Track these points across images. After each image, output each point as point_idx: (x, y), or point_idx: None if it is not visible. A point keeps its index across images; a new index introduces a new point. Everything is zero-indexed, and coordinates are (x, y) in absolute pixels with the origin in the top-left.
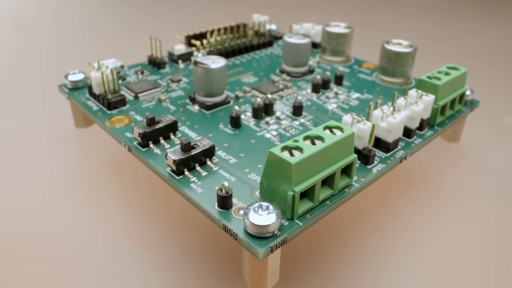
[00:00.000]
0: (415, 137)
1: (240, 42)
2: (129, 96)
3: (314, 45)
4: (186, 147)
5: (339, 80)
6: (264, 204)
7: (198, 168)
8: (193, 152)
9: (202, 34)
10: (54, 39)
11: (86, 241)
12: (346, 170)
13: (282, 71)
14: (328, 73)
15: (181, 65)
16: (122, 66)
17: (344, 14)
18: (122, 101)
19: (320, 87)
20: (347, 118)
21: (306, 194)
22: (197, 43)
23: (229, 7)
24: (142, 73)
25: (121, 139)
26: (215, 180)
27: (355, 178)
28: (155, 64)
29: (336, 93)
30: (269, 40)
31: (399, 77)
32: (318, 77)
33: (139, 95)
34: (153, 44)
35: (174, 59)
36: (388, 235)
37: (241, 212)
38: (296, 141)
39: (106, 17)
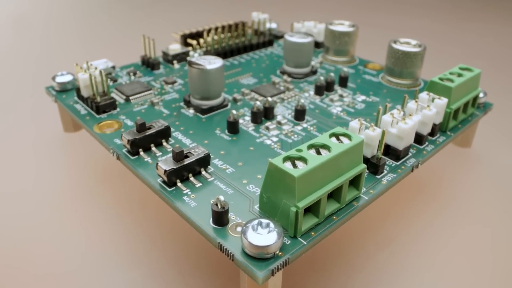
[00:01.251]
0: (426, 143)
1: (239, 41)
2: (120, 99)
3: (317, 45)
4: (179, 156)
5: (343, 82)
6: (264, 221)
7: (191, 178)
8: (186, 161)
9: (198, 33)
10: (45, 38)
11: (70, 255)
12: (354, 182)
13: (283, 72)
14: (332, 74)
15: (176, 65)
16: (113, 67)
17: (347, 13)
18: (112, 105)
19: (323, 89)
20: (354, 123)
21: (311, 209)
22: (193, 42)
23: (228, 6)
24: (134, 74)
25: (110, 146)
26: (210, 192)
27: (363, 189)
28: (149, 64)
29: (341, 96)
30: (269, 39)
31: (407, 78)
32: (322, 78)
33: (130, 98)
34: (147, 44)
35: (168, 59)
36: (399, 250)
37: (239, 229)
38: (299, 150)
39: (100, 15)
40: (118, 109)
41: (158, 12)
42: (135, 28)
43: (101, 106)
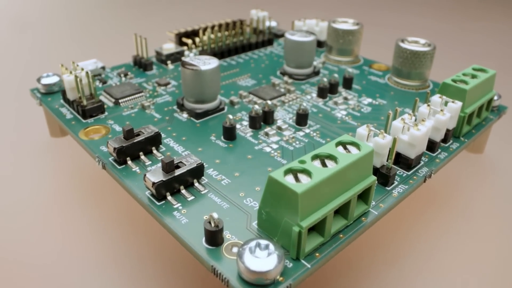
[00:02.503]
0: (439, 150)
1: (237, 40)
2: (109, 102)
3: (319, 44)
4: (169, 166)
5: (348, 83)
6: (263, 242)
7: (183, 191)
8: (177, 172)
9: (194, 31)
10: (33, 37)
11: (51, 271)
12: (363, 195)
13: (284, 73)
14: (336, 75)
15: (170, 66)
16: (103, 68)
17: (349, 11)
18: (99, 108)
19: (327, 91)
20: (362, 130)
21: (315, 227)
22: (189, 41)
23: (227, 4)
24: (125, 75)
25: (95, 154)
26: (203, 206)
27: (372, 203)
28: (141, 65)
29: (346, 98)
30: (268, 38)
31: (415, 79)
32: (325, 80)
33: (120, 100)
34: (138, 43)
35: (162, 59)
36: (409, 267)
37: (235, 249)
38: (302, 162)
39: (93, 13)
40: (106, 113)
41: (154, 11)
42: (129, 26)
43: (88, 110)
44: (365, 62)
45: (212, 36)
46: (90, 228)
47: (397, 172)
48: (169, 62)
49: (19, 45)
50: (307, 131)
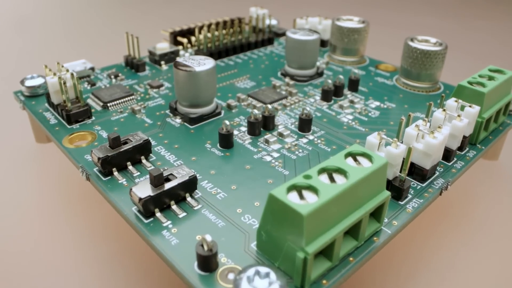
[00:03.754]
0: (454, 159)
1: (235, 39)
2: (97, 106)
3: (322, 43)
4: (157, 180)
5: (354, 85)
6: (263, 270)
7: (174, 207)
8: (167, 186)
9: (190, 30)
10: (21, 36)
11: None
12: (375, 212)
13: (285, 74)
14: (341, 76)
15: (164, 67)
16: (92, 69)
17: (352, 9)
18: (86, 113)
19: (331, 94)
20: (373, 138)
21: (322, 251)
22: (184, 40)
23: (225, 2)
24: (116, 77)
25: (79, 164)
26: (196, 224)
27: (385, 220)
28: (133, 65)
29: (352, 102)
30: (269, 37)
31: (425, 81)
32: (329, 81)
33: (108, 104)
34: (130, 42)
35: (155, 59)
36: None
37: (231, 276)
38: (308, 177)
39: (85, 11)
40: (93, 118)
41: (150, 9)
42: (123, 25)
43: (73, 115)
44: (371, 62)
45: (209, 35)
46: (73, 244)
47: (411, 184)
48: (162, 62)
49: (4, 45)
50: (311, 137)
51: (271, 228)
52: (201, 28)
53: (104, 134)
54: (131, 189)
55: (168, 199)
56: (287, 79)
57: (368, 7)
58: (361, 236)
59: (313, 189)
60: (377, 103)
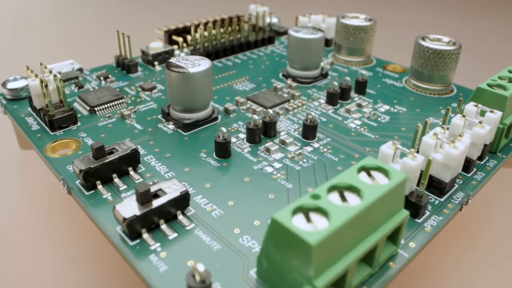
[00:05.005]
0: (473, 169)
1: (233, 38)
2: (84, 111)
3: (326, 43)
4: (144, 197)
5: (361, 88)
6: None
7: (163, 226)
8: (156, 203)
9: (185, 28)
10: (8, 35)
11: None
12: (392, 234)
13: (287, 76)
14: (348, 78)
15: (158, 67)
16: (80, 70)
17: (355, 7)
18: (70, 118)
19: (337, 97)
20: (387, 148)
21: (333, 282)
22: (179, 39)
23: (224, 0)
24: (105, 78)
25: (60, 175)
26: (188, 247)
27: (401, 241)
28: (124, 66)
29: (359, 105)
30: (269, 36)
31: (438, 83)
32: (335, 83)
33: (96, 109)
34: (121, 41)
35: (148, 59)
36: None
37: None
38: (316, 196)
39: (76, 9)
40: (78, 124)
41: (145, 7)
42: (116, 23)
43: (56, 120)
44: (378, 62)
45: (206, 33)
46: (54, 263)
47: (429, 200)
48: (156, 63)
49: None
50: (316, 145)
51: (274, 256)
52: (197, 26)
53: (90, 142)
54: (114, 207)
55: (156, 217)
56: (289, 81)
57: (370, 6)
58: (376, 262)
59: (322, 212)
60: (387, 107)
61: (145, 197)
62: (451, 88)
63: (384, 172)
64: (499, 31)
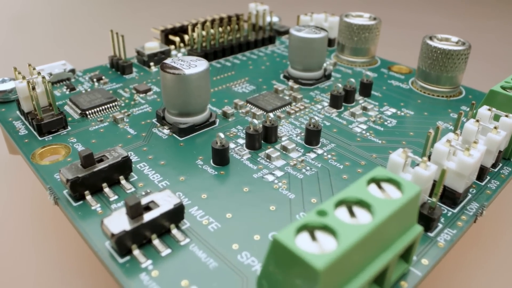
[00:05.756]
0: (487, 177)
1: (233, 38)
2: (75, 114)
3: (329, 42)
4: (134, 210)
5: (366, 90)
6: None
7: (155, 242)
8: (148, 217)
9: (182, 28)
10: (3, 34)
11: None
12: (404, 252)
13: (288, 77)
14: (352, 80)
15: (154, 68)
16: (72, 71)
17: (357, 7)
18: (60, 122)
19: (341, 100)
20: (396, 157)
21: None
22: (176, 39)
23: (223, 0)
24: (99, 80)
25: (47, 185)
26: (182, 265)
27: (414, 258)
28: (118, 67)
29: (364, 109)
30: (270, 35)
31: (446, 85)
32: (339, 85)
33: (87, 112)
34: (115, 41)
35: (144, 60)
36: None
37: None
38: (322, 213)
39: (71, 7)
40: (69, 128)
41: (141, 6)
42: (111, 22)
43: (44, 125)
44: (383, 63)
45: (204, 33)
46: (40, 277)
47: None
48: (152, 63)
49: None
50: (320, 151)
51: (276, 280)
52: (195, 25)
53: (80, 148)
54: (102, 221)
55: (148, 232)
56: (290, 83)
57: (371, 5)
58: (387, 282)
59: (329, 230)
60: (393, 110)
61: (135, 211)
62: (459, 90)
63: (396, 184)
64: (505, 31)
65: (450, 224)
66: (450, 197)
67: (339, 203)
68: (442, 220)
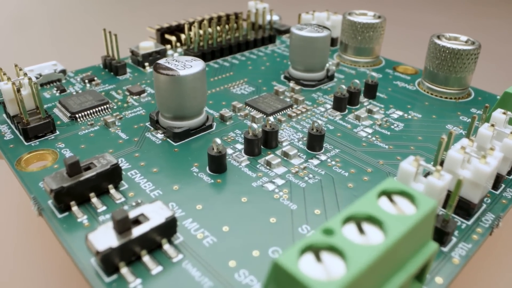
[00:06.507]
0: (502, 185)
1: (231, 37)
2: (64, 117)
3: (331, 42)
4: (122, 225)
5: (371, 91)
6: None
7: (145, 258)
8: (137, 232)
9: (179, 26)
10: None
11: None
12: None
13: (289, 78)
14: (357, 81)
15: (149, 69)
16: (63, 71)
17: (362, 6)
18: (47, 126)
19: (345, 102)
20: (407, 165)
21: None
22: (172, 38)
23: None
24: (91, 81)
25: (31, 194)
26: (174, 285)
27: (427, 276)
28: (112, 68)
29: (370, 111)
30: (270, 34)
31: (454, 86)
32: (343, 87)
33: (77, 115)
34: (108, 40)
35: (138, 60)
36: None
37: None
38: (329, 231)
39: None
40: (57, 133)
41: (137, 5)
42: (106, 21)
43: (31, 129)
44: (387, 63)
45: (201, 32)
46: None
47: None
48: (146, 64)
49: None
50: (323, 158)
51: None
52: (191, 24)
53: (68, 153)
54: (87, 236)
55: (138, 248)
56: (291, 84)
57: (373, 3)
58: None
59: (337, 252)
60: (400, 113)
61: (123, 225)
62: (468, 91)
63: (410, 197)
64: (511, 30)
65: (465, 238)
66: (464, 208)
67: (346, 220)
68: (456, 233)
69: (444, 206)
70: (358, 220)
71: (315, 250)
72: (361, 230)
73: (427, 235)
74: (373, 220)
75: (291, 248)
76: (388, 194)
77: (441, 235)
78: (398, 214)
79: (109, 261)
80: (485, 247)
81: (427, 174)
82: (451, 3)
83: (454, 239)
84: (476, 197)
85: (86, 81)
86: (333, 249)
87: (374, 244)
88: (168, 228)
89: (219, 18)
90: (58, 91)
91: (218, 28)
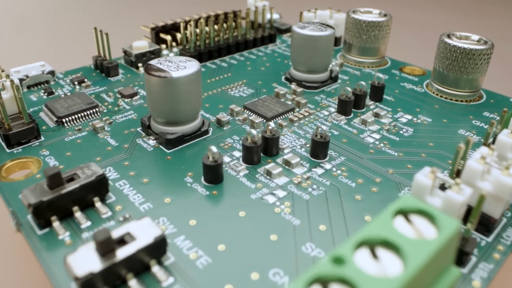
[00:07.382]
0: None
1: (229, 36)
2: (50, 122)
3: (334, 41)
4: (105, 247)
5: (378, 94)
6: None
7: (131, 283)
8: (122, 254)
9: (175, 25)
10: None
11: None
12: None
13: (291, 79)
14: (363, 83)
15: (142, 70)
16: (52, 73)
17: (364, 5)
18: (31, 132)
19: (351, 105)
20: (423, 178)
21: None
22: (168, 38)
23: None
24: (80, 83)
25: (10, 207)
26: None
27: None
28: (103, 69)
29: (377, 115)
30: (270, 33)
31: (465, 88)
32: (348, 89)
33: (64, 120)
34: (99, 39)
35: (131, 60)
36: None
37: None
38: (339, 260)
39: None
40: (42, 139)
41: (133, 2)
42: (99, 20)
43: (13, 135)
44: (393, 64)
45: (197, 30)
46: None
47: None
48: (140, 64)
49: None
50: (328, 166)
51: None
52: (187, 23)
53: (53, 162)
54: (65, 259)
55: (123, 271)
56: (293, 86)
57: (376, 2)
58: None
59: (349, 285)
60: (409, 117)
61: (106, 247)
62: (480, 94)
63: (429, 216)
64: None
65: (485, 257)
66: (484, 223)
67: (358, 245)
68: (475, 251)
69: (464, 222)
70: (371, 244)
71: (324, 282)
72: (375, 256)
73: (449, 260)
74: (389, 245)
75: (296, 281)
76: (405, 213)
77: (460, 255)
78: (417, 238)
79: (91, 285)
80: (507, 267)
81: (442, 185)
82: (458, 1)
83: (473, 259)
84: (497, 211)
85: (76, 83)
86: (345, 284)
87: (392, 277)
88: (157, 248)
89: (217, 16)
90: (46, 94)
91: (216, 27)
